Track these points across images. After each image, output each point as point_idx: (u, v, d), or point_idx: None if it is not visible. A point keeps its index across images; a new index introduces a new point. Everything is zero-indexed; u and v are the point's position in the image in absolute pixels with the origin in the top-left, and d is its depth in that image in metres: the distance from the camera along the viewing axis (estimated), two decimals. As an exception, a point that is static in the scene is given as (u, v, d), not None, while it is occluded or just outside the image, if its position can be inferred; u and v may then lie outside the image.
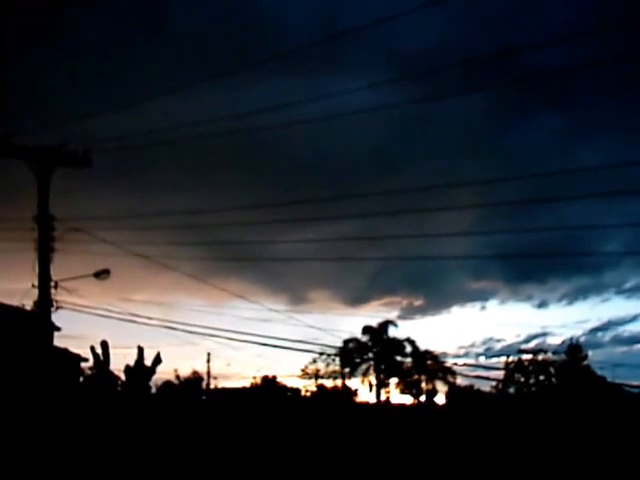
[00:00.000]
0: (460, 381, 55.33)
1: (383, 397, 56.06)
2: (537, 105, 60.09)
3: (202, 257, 34.80)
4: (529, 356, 51.94)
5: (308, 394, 59.37)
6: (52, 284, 22.92)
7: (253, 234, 31.19)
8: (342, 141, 58.28)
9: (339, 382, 58.65)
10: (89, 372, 34.50)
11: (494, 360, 61.89)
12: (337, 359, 56.77)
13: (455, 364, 71.50)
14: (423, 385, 56.87)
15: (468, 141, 66.09)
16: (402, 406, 56.83)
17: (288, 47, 21.45)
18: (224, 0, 54.79)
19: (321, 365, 58.06)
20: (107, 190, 45.68)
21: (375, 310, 73.96)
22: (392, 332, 56.65)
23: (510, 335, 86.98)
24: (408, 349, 56.43)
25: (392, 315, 72.08)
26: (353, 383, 58.35)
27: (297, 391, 60.34)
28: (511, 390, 52.26)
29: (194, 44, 56.48)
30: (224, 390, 61.89)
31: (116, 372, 32.35)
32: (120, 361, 32.28)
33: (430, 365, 56.20)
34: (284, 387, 60.52)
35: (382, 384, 55.86)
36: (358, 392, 58.74)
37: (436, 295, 78.98)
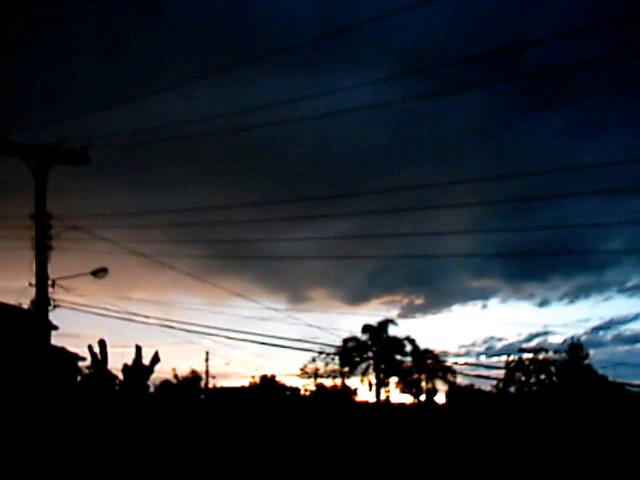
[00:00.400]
0: (460, 380, 55.23)
1: (383, 396, 55.90)
2: (539, 102, 60.05)
3: (201, 255, 34.62)
4: (530, 355, 51.83)
5: (307, 393, 59.21)
6: (49, 282, 22.82)
7: (252, 232, 31.03)
8: (342, 138, 58.23)
9: (338, 381, 58.54)
10: (87, 371, 34.36)
11: (495, 359, 61.71)
12: (336, 358, 56.60)
13: (455, 363, 71.28)
14: (423, 384, 56.69)
15: (469, 138, 66.08)
16: (402, 405, 56.73)
17: (288, 44, 21.21)
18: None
19: (320, 364, 57.88)
20: (105, 188, 45.59)
21: (375, 309, 73.97)
22: (392, 331, 56.57)
23: (511, 334, 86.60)
24: (408, 348, 56.32)
25: (392, 314, 71.68)
26: (352, 382, 58.25)
27: (296, 390, 60.21)
28: (512, 389, 52.11)
29: (192, 41, 56.41)
30: (223, 389, 61.77)
31: (114, 371, 32.39)
32: (118, 360, 32.32)
33: (430, 364, 56.02)
34: (283, 386, 60.38)
35: (382, 383, 55.68)
36: (358, 391, 58.68)
37: (437, 294, 78.98)
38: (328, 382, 59.00)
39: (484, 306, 78.45)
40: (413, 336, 55.90)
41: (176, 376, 56.07)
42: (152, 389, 43.56)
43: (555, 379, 50.01)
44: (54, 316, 23.67)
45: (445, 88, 20.63)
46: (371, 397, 56.13)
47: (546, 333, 62.05)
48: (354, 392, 58.80)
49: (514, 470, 27.39)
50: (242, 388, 61.14)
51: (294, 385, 60.65)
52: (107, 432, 26.67)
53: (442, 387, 56.15)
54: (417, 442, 34.23)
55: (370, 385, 55.75)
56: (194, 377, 59.43)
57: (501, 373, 50.93)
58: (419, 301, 76.79)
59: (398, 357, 57.04)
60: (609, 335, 70.32)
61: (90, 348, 30.13)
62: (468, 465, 28.13)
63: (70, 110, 26.96)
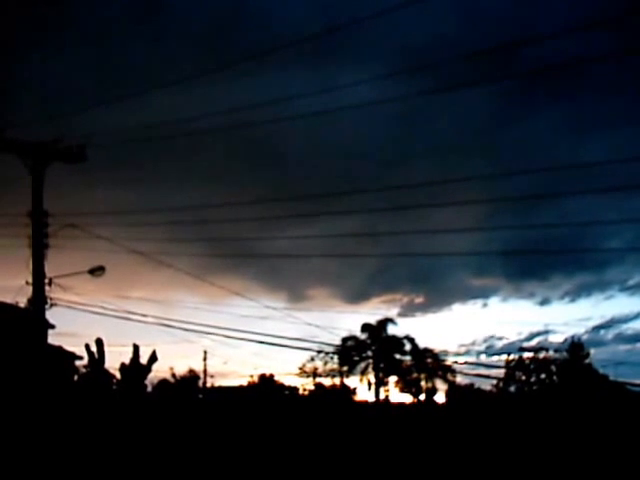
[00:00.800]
0: (460, 379, 55.14)
1: (382, 396, 55.81)
2: (541, 99, 59.94)
3: (199, 254, 34.47)
4: (530, 354, 51.74)
5: (306, 393, 59.10)
6: (46, 281, 22.67)
7: (251, 230, 30.90)
8: (343, 135, 58.05)
9: (337, 380, 58.46)
10: (84, 370, 34.23)
11: (495, 358, 61.58)
12: (335, 357, 56.46)
13: (455, 362, 71.04)
14: (422, 383, 56.60)
15: (470, 136, 65.97)
16: (401, 405, 56.67)
17: (289, 40, 21.07)
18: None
19: (319, 363, 57.76)
20: (102, 185, 45.41)
21: (375, 308, 73.86)
22: (391, 330, 56.46)
23: (511, 333, 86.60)
24: (408, 347, 56.19)
25: (392, 313, 71.69)
26: (352, 381, 58.21)
27: (295, 390, 60.11)
28: (512, 389, 52.01)
29: (192, 37, 56.28)
30: (221, 389, 61.66)
31: (111, 370, 32.38)
32: (115, 359, 32.35)
33: (430, 363, 55.89)
34: (282, 385, 60.32)
35: (381, 382, 55.57)
36: (357, 391, 58.64)
37: (437, 292, 78.81)
38: (327, 381, 59.02)
39: (484, 305, 78.34)
40: (413, 335, 55.93)
41: (174, 375, 56.10)
42: (150, 388, 43.53)
43: (555, 378, 49.93)
44: (51, 315, 23.57)
45: (446, 85, 20.51)
46: (370, 396, 56.15)
47: (547, 332, 62.17)
48: (353, 391, 58.79)
49: (514, 470, 27.33)
50: (240, 387, 61.07)
51: (293, 384, 60.70)
52: (104, 431, 26.60)
53: (442, 386, 56.19)
54: (417, 442, 34.14)
55: (369, 384, 55.68)
56: (192, 376, 59.35)
57: (501, 372, 50.95)
58: (419, 300, 76.74)
59: (397, 356, 56.89)
60: (610, 334, 70.25)
61: (87, 347, 30.12)
62: (468, 464, 28.06)
63: (67, 108, 26.78)
